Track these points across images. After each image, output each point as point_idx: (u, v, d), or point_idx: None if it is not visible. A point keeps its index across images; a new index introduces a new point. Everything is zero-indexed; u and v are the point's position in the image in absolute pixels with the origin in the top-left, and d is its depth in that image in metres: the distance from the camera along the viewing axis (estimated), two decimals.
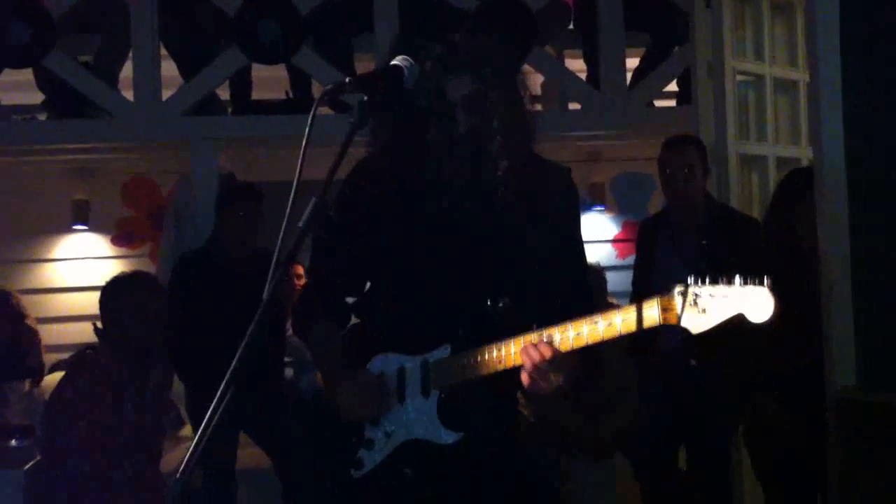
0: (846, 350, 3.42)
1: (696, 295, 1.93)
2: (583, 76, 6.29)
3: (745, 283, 1.90)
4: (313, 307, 2.43)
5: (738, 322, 1.92)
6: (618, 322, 2.01)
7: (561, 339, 2.07)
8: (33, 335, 5.95)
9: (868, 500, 3.31)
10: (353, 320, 2.45)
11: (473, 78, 2.19)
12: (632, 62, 6.30)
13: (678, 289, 1.95)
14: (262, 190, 4.98)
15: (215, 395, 1.62)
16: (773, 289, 1.89)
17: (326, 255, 2.40)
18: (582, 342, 2.05)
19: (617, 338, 2.04)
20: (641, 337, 4.21)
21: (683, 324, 1.94)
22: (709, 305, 1.92)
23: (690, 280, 1.94)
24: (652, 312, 1.98)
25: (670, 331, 4.17)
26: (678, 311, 1.95)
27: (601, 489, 4.87)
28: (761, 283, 1.90)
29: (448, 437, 2.21)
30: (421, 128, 2.20)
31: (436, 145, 2.19)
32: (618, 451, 4.85)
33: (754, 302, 1.89)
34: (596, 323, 2.04)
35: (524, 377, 2.11)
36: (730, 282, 1.91)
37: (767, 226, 4.07)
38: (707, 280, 1.93)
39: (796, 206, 3.85)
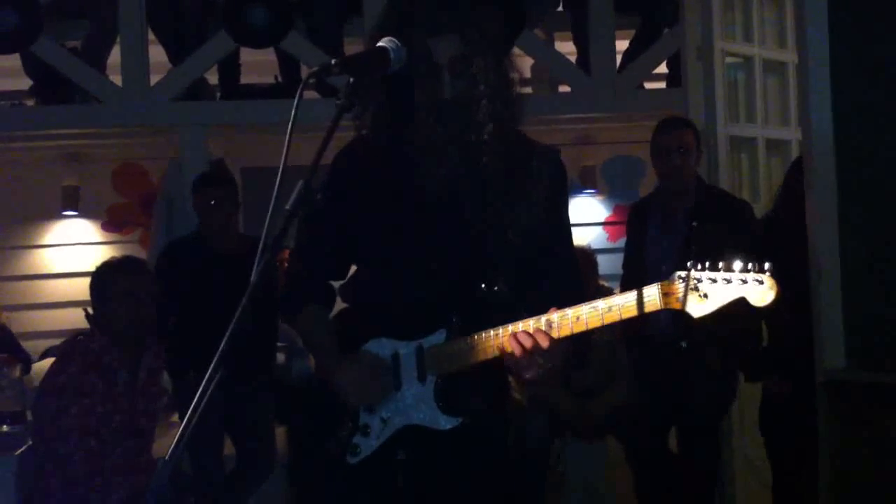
0: (835, 332, 3.44)
1: (698, 280, 1.94)
2: (573, 59, 6.29)
3: (746, 268, 1.91)
4: (299, 290, 2.42)
5: (739, 306, 1.93)
6: (618, 306, 2.02)
7: (561, 323, 2.06)
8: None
9: (858, 478, 3.33)
10: (339, 305, 2.44)
11: (460, 40, 2.18)
12: (621, 45, 6.30)
13: (679, 274, 1.96)
14: (259, 175, 4.95)
15: (202, 381, 1.62)
16: (775, 274, 1.90)
17: (312, 239, 2.38)
18: (582, 327, 2.05)
19: (617, 322, 2.04)
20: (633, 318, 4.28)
21: (684, 308, 1.95)
22: (710, 290, 1.93)
23: (691, 265, 1.95)
24: (653, 297, 1.98)
25: (661, 312, 4.20)
26: (679, 295, 1.95)
27: (593, 472, 4.89)
28: (762, 269, 1.91)
29: (447, 423, 2.20)
30: (408, 96, 2.19)
31: (422, 108, 2.18)
32: (609, 434, 4.87)
33: (756, 287, 1.91)
34: (596, 307, 2.03)
35: (510, 363, 2.11)
36: (730, 267, 1.93)
37: (778, 209, 4.08)
38: (708, 265, 1.94)
39: None
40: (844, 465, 3.36)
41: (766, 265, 1.91)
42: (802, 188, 3.81)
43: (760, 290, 1.90)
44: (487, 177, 2.22)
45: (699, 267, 1.94)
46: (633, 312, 2.00)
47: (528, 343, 2.06)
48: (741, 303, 1.92)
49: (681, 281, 1.95)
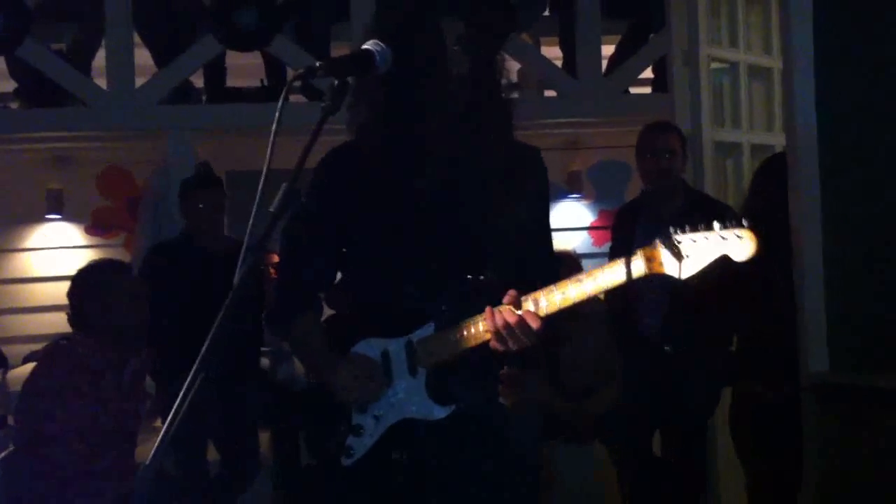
0: (819, 335, 3.45)
1: (679, 241, 1.96)
2: (559, 63, 6.30)
3: (725, 226, 1.94)
4: (288, 301, 2.40)
5: (721, 266, 1.95)
6: (603, 277, 2.03)
7: (548, 301, 2.07)
8: None
9: (845, 480, 3.34)
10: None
11: (464, 24, 2.21)
12: (608, 49, 6.31)
13: (660, 238, 1.98)
14: (245, 178, 4.94)
15: (184, 385, 1.61)
16: (754, 228, 1.93)
17: (298, 251, 2.37)
18: (569, 302, 2.06)
19: (602, 292, 2.06)
20: (623, 319, 4.30)
21: (668, 271, 1.97)
22: (692, 251, 1.96)
23: (671, 230, 1.97)
24: (637, 263, 2.00)
25: (651, 316, 4.21)
26: (662, 259, 1.97)
27: (584, 473, 4.89)
28: (740, 225, 1.94)
29: (440, 412, 2.20)
30: (403, 96, 2.20)
31: (436, 86, 2.19)
32: (598, 436, 4.87)
33: (735, 243, 1.94)
34: (580, 281, 2.05)
35: (495, 338, 2.11)
36: (709, 227, 1.95)
37: (752, 211, 4.07)
38: (688, 227, 1.97)
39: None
40: (830, 468, 3.37)
41: (745, 222, 1.94)
42: (773, 187, 3.82)
43: (740, 245, 1.94)
44: (481, 172, 2.24)
45: (679, 231, 1.97)
46: (618, 281, 2.01)
47: (513, 319, 2.07)
48: (724, 261, 1.95)
49: (663, 245, 1.98)
